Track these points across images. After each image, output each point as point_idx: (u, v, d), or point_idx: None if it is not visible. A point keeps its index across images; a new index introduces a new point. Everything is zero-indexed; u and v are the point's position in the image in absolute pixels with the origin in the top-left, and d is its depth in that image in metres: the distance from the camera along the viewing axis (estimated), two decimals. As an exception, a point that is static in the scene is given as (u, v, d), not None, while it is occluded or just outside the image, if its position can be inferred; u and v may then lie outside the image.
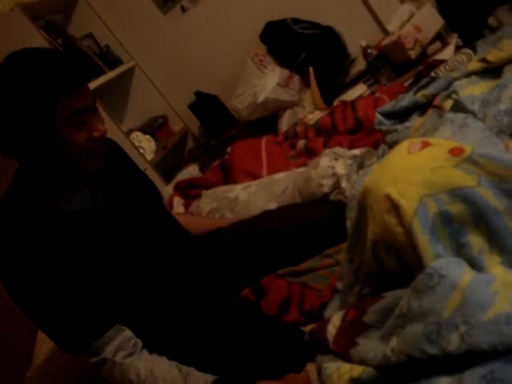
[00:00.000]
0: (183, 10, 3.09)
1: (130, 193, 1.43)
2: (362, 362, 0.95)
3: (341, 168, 1.62)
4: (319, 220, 1.53)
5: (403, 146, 1.00)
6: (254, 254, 1.55)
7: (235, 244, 1.58)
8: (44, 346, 1.78)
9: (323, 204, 1.62)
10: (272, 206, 1.78)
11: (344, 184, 1.59)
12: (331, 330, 1.11)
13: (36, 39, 2.60)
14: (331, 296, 1.32)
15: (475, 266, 0.91)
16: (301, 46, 2.72)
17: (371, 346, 0.95)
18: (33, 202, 1.22)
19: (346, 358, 1.01)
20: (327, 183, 1.61)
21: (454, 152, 0.93)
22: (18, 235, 1.18)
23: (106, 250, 1.28)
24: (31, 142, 1.15)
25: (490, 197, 0.90)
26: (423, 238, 0.89)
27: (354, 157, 1.67)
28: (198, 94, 3.13)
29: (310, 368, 1.18)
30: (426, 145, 0.97)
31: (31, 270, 1.16)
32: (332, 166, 1.64)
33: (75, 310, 1.21)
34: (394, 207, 0.91)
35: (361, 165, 1.67)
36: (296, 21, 2.79)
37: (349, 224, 1.34)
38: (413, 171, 0.92)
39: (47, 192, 1.24)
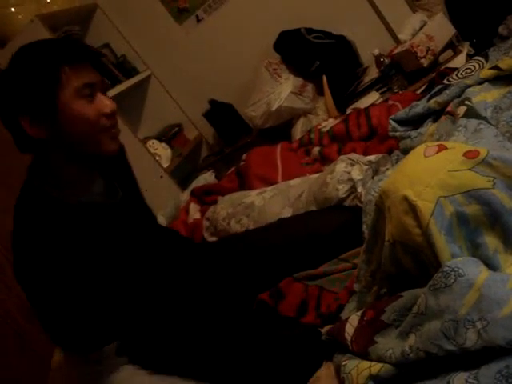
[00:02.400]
0: (198, 20, 3.14)
1: (135, 195, 1.46)
2: (380, 359, 0.98)
3: (357, 173, 1.65)
4: (334, 226, 1.55)
5: (419, 150, 1.03)
6: (270, 261, 1.57)
7: (252, 251, 1.61)
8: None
9: (338, 210, 1.64)
10: (287, 211, 1.81)
11: (360, 189, 1.61)
12: (349, 329, 1.14)
13: (55, 49, 2.66)
14: (348, 298, 1.35)
15: (490, 265, 0.93)
16: (314, 55, 2.76)
17: (389, 344, 0.97)
18: (51, 194, 1.23)
19: (365, 356, 1.04)
20: (343, 188, 1.64)
21: (469, 155, 0.96)
22: (35, 228, 1.19)
23: (122, 245, 1.30)
24: (44, 118, 1.17)
25: (504, 198, 0.93)
26: (440, 238, 0.92)
27: (370, 162, 1.70)
28: (213, 103, 3.17)
29: (328, 367, 1.21)
30: (441, 148, 1.00)
31: (47, 262, 1.17)
32: (348, 171, 1.66)
33: (83, 309, 1.20)
34: (412, 208, 0.94)
35: (376, 171, 1.69)
36: (309, 30, 2.83)
37: (365, 229, 1.37)
38: (429, 174, 0.95)
39: (64, 183, 1.26)
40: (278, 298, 1.47)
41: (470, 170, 0.94)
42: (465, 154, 0.96)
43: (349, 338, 1.12)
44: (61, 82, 1.16)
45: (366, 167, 1.63)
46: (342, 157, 1.72)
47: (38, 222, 1.20)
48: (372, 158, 1.69)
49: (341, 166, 1.65)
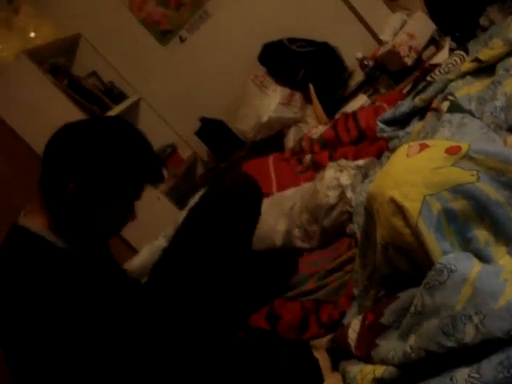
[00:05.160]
0: (181, 40, 3.17)
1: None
2: (383, 361, 0.98)
3: (345, 179, 1.66)
4: None
5: (402, 151, 1.03)
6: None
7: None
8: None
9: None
10: (282, 222, 1.82)
11: (349, 194, 1.62)
12: (352, 335, 1.14)
13: (43, 82, 2.68)
14: (349, 304, 1.35)
15: (483, 258, 0.94)
16: (299, 64, 2.78)
17: (391, 346, 0.98)
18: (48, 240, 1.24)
19: (369, 360, 1.04)
20: (333, 194, 1.65)
21: (451, 151, 0.96)
22: (25, 274, 1.17)
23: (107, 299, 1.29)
24: (92, 199, 1.23)
25: (490, 190, 0.93)
26: (430, 237, 0.92)
27: (358, 167, 1.71)
28: (204, 120, 3.18)
29: (334, 376, 1.20)
30: (423, 147, 1.00)
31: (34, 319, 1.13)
32: (337, 177, 1.68)
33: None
34: (399, 209, 0.95)
35: (365, 175, 1.70)
36: (292, 40, 2.85)
37: (356, 228, 1.37)
38: (413, 173, 0.96)
39: (67, 235, 1.27)
40: (275, 321, 1.45)
41: (453, 165, 0.95)
42: (446, 151, 0.97)
43: (353, 344, 1.12)
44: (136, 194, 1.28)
45: (355, 172, 1.64)
46: (330, 163, 1.74)
47: (29, 268, 1.18)
48: (360, 162, 1.71)
49: (330, 173, 1.66)
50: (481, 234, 0.95)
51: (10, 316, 1.16)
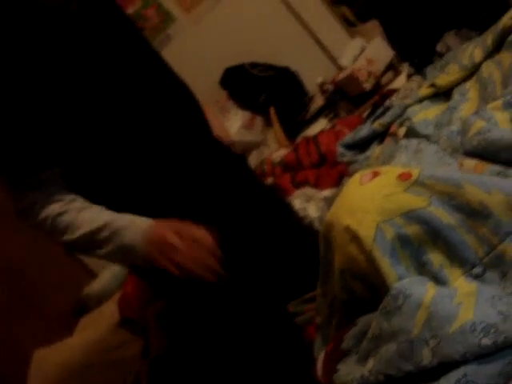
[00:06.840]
0: (143, 65, 3.16)
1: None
2: (343, 386, 0.99)
3: (313, 211, 1.67)
4: None
5: (355, 179, 1.05)
6: None
7: None
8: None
9: None
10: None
11: (317, 226, 1.62)
12: (319, 365, 1.14)
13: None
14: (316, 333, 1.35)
15: (439, 281, 0.95)
16: (260, 88, 2.81)
17: (350, 370, 0.98)
18: None
19: (331, 386, 1.04)
20: (300, 225, 1.65)
21: (403, 177, 0.98)
22: None
23: (70, 62, 1.13)
24: None
25: (442, 214, 0.95)
26: (384, 262, 0.93)
27: (325, 198, 1.72)
28: (166, 145, 3.17)
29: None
30: (375, 174, 1.02)
31: None
32: (304, 207, 1.68)
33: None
34: (354, 237, 0.96)
35: (331, 205, 1.71)
36: (253, 64, 2.88)
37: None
38: (366, 201, 0.97)
39: None
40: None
41: (404, 191, 0.97)
42: (398, 177, 0.98)
43: (320, 374, 1.13)
44: None
45: (322, 204, 1.65)
46: (296, 192, 1.75)
47: None
48: (327, 193, 1.72)
49: (297, 203, 1.67)
50: (435, 257, 0.96)
51: None
